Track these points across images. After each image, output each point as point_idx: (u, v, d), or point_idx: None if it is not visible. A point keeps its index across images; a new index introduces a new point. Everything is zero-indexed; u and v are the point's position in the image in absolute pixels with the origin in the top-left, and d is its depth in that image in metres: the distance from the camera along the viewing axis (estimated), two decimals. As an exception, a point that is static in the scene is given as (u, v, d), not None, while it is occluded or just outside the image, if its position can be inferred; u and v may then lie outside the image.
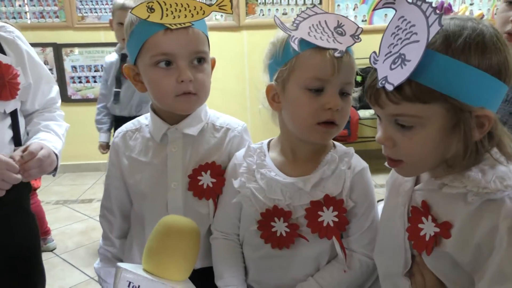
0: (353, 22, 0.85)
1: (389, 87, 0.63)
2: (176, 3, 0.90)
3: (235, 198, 0.94)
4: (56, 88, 1.31)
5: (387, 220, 0.84)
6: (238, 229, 0.99)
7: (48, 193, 3.52)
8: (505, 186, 0.65)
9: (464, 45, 0.62)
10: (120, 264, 0.76)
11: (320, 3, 3.98)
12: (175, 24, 0.90)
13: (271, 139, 1.00)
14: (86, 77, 4.03)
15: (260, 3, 3.99)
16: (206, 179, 0.99)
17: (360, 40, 0.84)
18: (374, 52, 0.70)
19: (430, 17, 0.60)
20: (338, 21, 0.84)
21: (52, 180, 3.72)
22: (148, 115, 1.06)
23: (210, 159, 1.01)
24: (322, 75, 0.83)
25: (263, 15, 4.00)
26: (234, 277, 0.94)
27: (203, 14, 0.92)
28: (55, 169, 1.15)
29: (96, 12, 3.93)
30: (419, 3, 0.62)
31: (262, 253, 0.93)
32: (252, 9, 3.99)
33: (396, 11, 0.67)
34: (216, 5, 0.94)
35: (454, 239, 0.69)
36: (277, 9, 4.00)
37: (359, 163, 0.92)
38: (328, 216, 0.86)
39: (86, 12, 3.93)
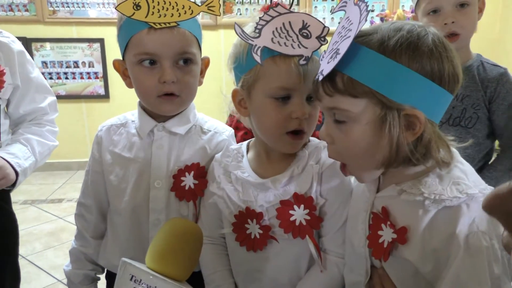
0: (319, 21, 0.79)
1: (320, 77, 0.68)
2: (164, 1, 0.87)
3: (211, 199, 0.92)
4: (50, 100, 1.30)
5: (350, 228, 0.83)
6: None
7: (16, 192, 3.36)
8: (461, 192, 0.65)
9: (395, 44, 0.64)
10: (124, 258, 0.75)
11: (298, 4, 3.99)
12: (159, 24, 0.87)
13: (251, 140, 0.98)
14: (58, 73, 3.92)
15: (237, 2, 3.97)
16: (188, 180, 0.97)
17: (327, 42, 0.78)
18: (324, 50, 0.73)
19: (362, 14, 0.64)
20: (303, 21, 0.78)
21: (20, 179, 3.59)
22: (135, 111, 1.04)
23: (196, 160, 0.98)
24: (288, 84, 0.80)
25: (240, 14, 3.98)
26: (223, 280, 0.92)
27: (191, 13, 0.88)
28: (14, 185, 1.15)
29: (68, 7, 3.82)
30: (359, 3, 0.66)
31: (239, 259, 0.91)
32: (229, 8, 3.97)
33: (345, 12, 0.71)
34: (205, 5, 0.91)
35: (414, 246, 0.68)
36: (254, 9, 3.99)
37: None
38: (299, 215, 0.83)
39: (58, 6, 3.82)
